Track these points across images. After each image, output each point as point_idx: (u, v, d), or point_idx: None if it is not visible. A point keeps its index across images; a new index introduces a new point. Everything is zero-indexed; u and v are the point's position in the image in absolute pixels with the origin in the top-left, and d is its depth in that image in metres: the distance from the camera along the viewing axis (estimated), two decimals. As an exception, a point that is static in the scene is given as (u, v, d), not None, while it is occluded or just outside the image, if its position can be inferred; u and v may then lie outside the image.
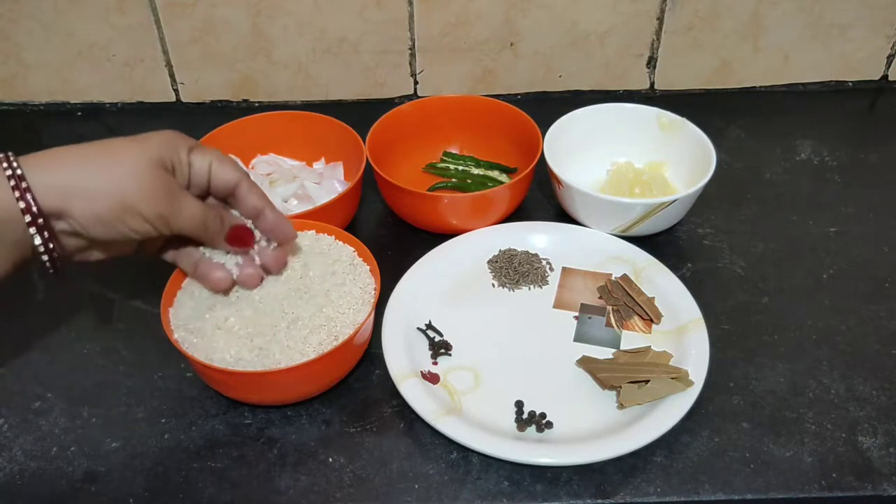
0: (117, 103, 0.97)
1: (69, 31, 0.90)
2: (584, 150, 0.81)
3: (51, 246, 0.51)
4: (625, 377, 0.63)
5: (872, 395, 0.64)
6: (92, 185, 0.51)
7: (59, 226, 0.52)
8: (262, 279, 0.63)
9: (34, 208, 0.50)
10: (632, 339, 0.68)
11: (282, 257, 0.63)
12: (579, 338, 0.69)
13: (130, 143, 0.53)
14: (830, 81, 0.98)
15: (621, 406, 0.62)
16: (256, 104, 0.97)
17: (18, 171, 0.50)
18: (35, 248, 0.51)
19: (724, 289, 0.73)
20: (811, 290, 0.73)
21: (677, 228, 0.79)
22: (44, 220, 0.50)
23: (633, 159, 0.84)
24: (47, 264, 0.52)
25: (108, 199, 0.51)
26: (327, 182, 0.80)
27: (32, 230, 0.50)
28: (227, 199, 0.60)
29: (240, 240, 0.60)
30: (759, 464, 0.60)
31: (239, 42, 0.91)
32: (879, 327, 0.70)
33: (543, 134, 0.78)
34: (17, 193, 0.49)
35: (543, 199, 0.83)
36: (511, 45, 0.93)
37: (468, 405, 0.63)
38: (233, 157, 0.81)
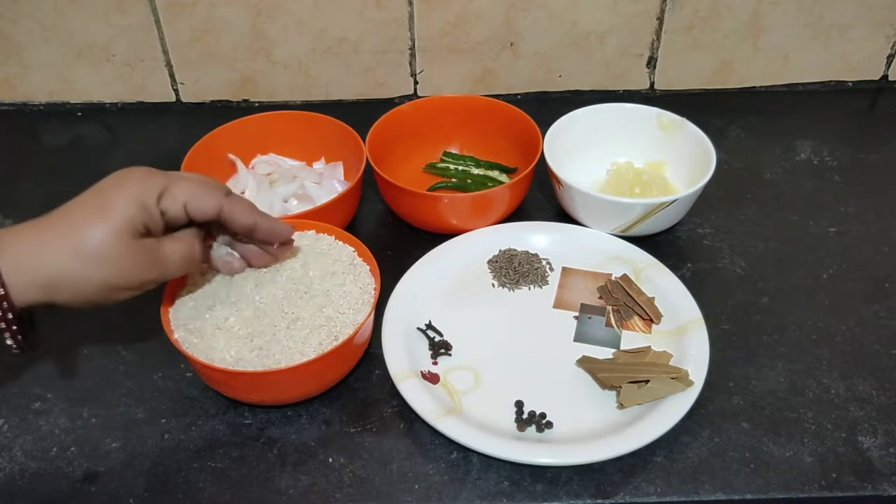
0: (117, 103, 0.97)
1: (69, 31, 0.90)
2: (584, 150, 0.81)
3: (20, 340, 0.52)
4: (625, 377, 0.63)
5: (872, 395, 0.64)
6: (73, 278, 0.51)
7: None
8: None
9: (9, 315, 0.50)
10: (632, 339, 0.68)
11: (266, 257, 0.63)
12: (579, 338, 0.69)
13: (96, 217, 0.51)
14: (830, 81, 0.98)
15: (621, 406, 0.62)
16: (256, 104, 0.97)
17: None
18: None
19: (724, 289, 0.73)
20: (811, 290, 0.73)
21: (677, 228, 0.79)
22: (16, 322, 0.51)
23: (633, 159, 0.84)
24: (14, 350, 0.53)
25: (91, 286, 0.52)
26: (327, 182, 0.80)
27: (7, 335, 0.51)
28: (213, 223, 0.58)
29: (229, 266, 0.61)
30: (759, 464, 0.60)
31: (239, 42, 0.91)
32: (879, 327, 0.70)
33: (543, 134, 0.78)
34: None
35: (543, 199, 0.83)
36: (511, 45, 0.93)
37: (468, 405, 0.63)
38: (232, 157, 0.82)
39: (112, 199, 0.52)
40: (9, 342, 0.52)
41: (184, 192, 0.55)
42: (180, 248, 0.56)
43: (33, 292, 0.51)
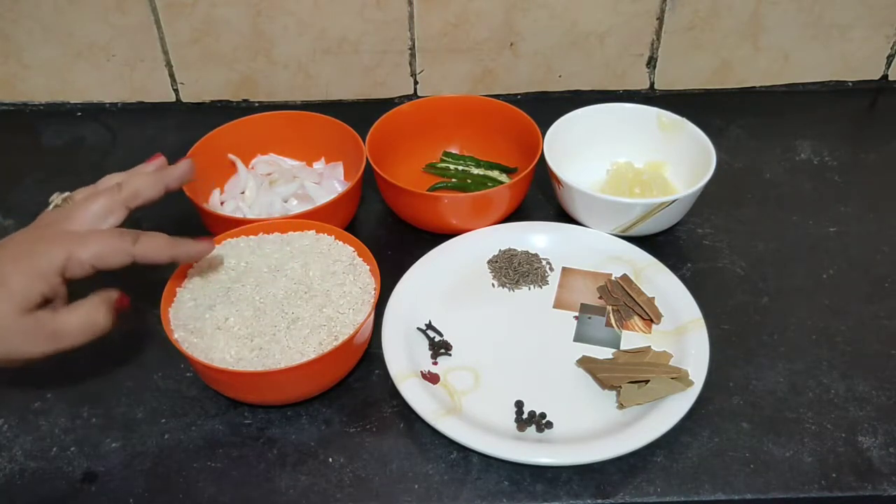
0: (117, 103, 0.97)
1: (69, 31, 0.90)
2: (584, 150, 0.81)
3: None
4: (625, 377, 0.63)
5: (872, 395, 0.64)
6: None
7: None
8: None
9: None
10: (632, 339, 0.68)
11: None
12: (579, 338, 0.69)
13: None
14: (830, 81, 0.98)
15: (621, 406, 0.62)
16: (256, 104, 0.97)
17: None
18: None
19: (724, 289, 0.73)
20: (811, 290, 0.73)
21: (677, 228, 0.79)
22: None
23: (633, 159, 0.84)
24: None
25: None
26: (327, 182, 0.80)
27: None
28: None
29: (122, 308, 0.59)
30: (759, 464, 0.60)
31: (239, 42, 0.91)
32: (879, 327, 0.70)
33: (543, 134, 0.78)
34: None
35: (543, 199, 0.83)
36: (511, 45, 0.93)
37: (468, 405, 0.63)
38: (232, 157, 0.82)
39: (7, 275, 0.52)
40: None
41: (90, 256, 0.54)
42: (77, 319, 0.54)
43: None
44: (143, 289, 0.73)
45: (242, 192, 0.79)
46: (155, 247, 0.57)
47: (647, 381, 0.62)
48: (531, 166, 0.75)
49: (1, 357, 0.52)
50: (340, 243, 0.68)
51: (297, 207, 0.78)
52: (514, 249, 0.75)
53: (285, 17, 0.90)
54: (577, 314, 0.71)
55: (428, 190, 0.82)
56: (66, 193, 0.60)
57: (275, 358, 0.59)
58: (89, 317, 0.55)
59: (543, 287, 0.73)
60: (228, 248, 0.68)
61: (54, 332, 0.53)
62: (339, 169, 0.82)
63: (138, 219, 0.73)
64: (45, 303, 0.54)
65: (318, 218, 0.70)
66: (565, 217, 0.78)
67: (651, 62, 0.95)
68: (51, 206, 0.59)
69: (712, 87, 0.97)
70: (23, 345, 0.52)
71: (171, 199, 0.82)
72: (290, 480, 0.59)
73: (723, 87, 0.97)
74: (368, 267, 0.67)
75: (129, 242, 0.56)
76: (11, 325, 0.51)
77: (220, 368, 0.59)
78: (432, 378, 0.65)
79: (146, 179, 0.60)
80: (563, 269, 0.74)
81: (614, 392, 0.64)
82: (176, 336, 0.61)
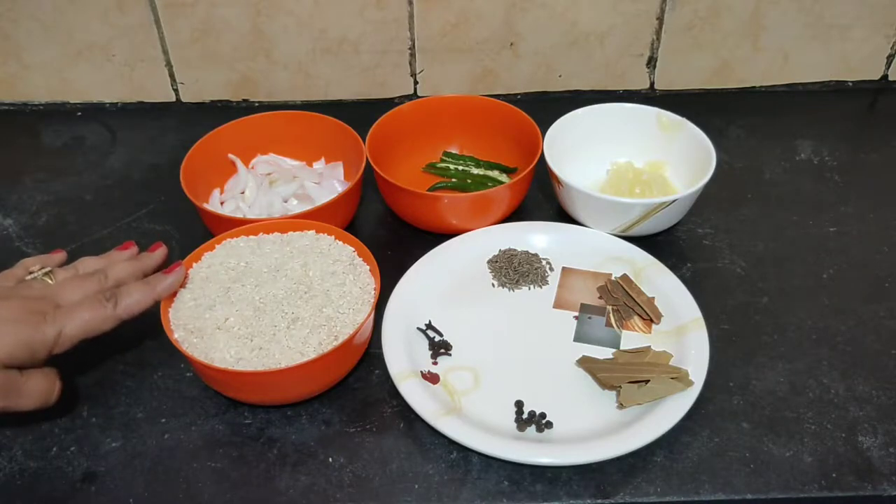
0: (117, 103, 0.97)
1: (69, 31, 0.90)
2: (584, 150, 0.81)
3: None
4: (625, 377, 0.63)
5: (872, 395, 0.64)
6: None
7: None
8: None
9: None
10: (632, 339, 0.68)
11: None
12: (579, 338, 0.69)
13: None
14: (830, 81, 0.98)
15: (621, 406, 0.62)
16: (256, 104, 0.97)
17: None
18: None
19: (724, 289, 0.73)
20: (811, 290, 0.73)
21: (677, 228, 0.79)
22: None
23: (633, 159, 0.84)
24: None
25: None
26: (327, 182, 0.80)
27: None
28: None
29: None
30: (759, 464, 0.60)
31: (239, 42, 0.91)
32: (879, 327, 0.70)
33: (543, 134, 0.78)
34: None
35: (543, 199, 0.83)
36: (511, 45, 0.93)
37: (468, 405, 0.63)
38: (232, 157, 0.82)
39: (1, 331, 0.55)
40: None
41: (78, 332, 0.57)
42: (42, 383, 0.58)
43: None
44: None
45: (242, 192, 0.79)
46: (136, 301, 0.60)
47: (647, 381, 0.62)
48: (531, 166, 0.75)
49: None
50: (340, 243, 0.68)
51: (297, 207, 0.78)
52: (514, 249, 0.75)
53: (285, 17, 0.90)
54: (577, 314, 0.71)
55: (428, 190, 0.82)
56: (48, 268, 0.62)
57: (275, 358, 0.59)
58: (52, 383, 0.58)
59: (543, 287, 0.73)
60: (228, 248, 0.68)
61: (17, 390, 0.56)
62: (339, 169, 0.82)
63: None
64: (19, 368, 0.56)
65: (318, 218, 0.70)
66: (565, 217, 0.78)
67: (651, 62, 0.95)
68: (30, 276, 0.62)
69: (712, 87, 0.97)
70: None
71: (171, 200, 0.83)
72: (290, 480, 0.59)
73: (723, 87, 0.97)
74: (368, 267, 0.67)
75: (111, 308, 0.59)
76: None
77: (220, 368, 0.59)
78: (432, 378, 0.65)
79: (140, 289, 0.61)
80: (563, 269, 0.74)
81: (614, 392, 0.64)
82: (176, 336, 0.61)
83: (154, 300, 0.61)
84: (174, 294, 0.64)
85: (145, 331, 0.69)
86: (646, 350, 0.66)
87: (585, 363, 0.66)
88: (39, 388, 0.57)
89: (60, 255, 0.66)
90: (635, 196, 0.80)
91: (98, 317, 0.58)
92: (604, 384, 0.64)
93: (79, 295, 0.59)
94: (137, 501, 0.58)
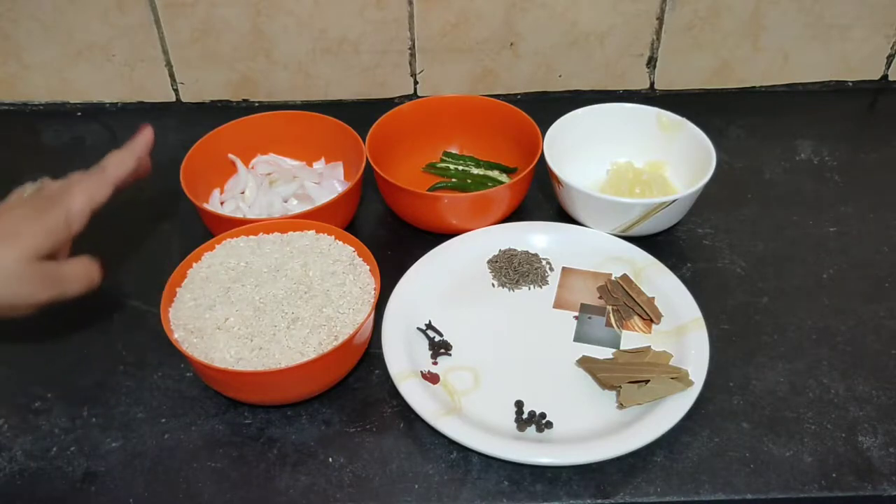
0: (117, 103, 0.97)
1: (69, 31, 0.90)
2: (584, 150, 0.81)
3: None
4: (625, 377, 0.63)
5: (872, 395, 0.64)
6: None
7: None
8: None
9: None
10: (632, 339, 0.68)
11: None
12: (579, 338, 0.69)
13: (5, 244, 0.58)
14: (830, 81, 0.98)
15: (621, 406, 0.62)
16: (256, 104, 0.97)
17: None
18: None
19: (724, 289, 0.73)
20: (811, 290, 0.73)
21: (677, 228, 0.79)
22: None
23: (633, 159, 0.84)
24: None
25: None
26: (327, 182, 0.80)
27: None
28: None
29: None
30: (759, 464, 0.60)
31: (239, 42, 0.91)
32: (879, 327, 0.70)
33: (543, 134, 0.78)
34: None
35: (543, 199, 0.83)
36: (511, 45, 0.93)
37: (468, 405, 0.63)
38: (232, 157, 0.82)
39: (21, 226, 0.59)
40: None
41: (82, 204, 0.62)
42: (80, 267, 0.62)
43: None
44: (144, 289, 0.73)
45: (242, 192, 0.79)
46: (119, 162, 0.66)
47: (647, 381, 0.62)
48: (531, 166, 0.75)
49: (9, 302, 0.58)
50: (340, 243, 0.68)
51: (297, 207, 0.78)
52: (514, 249, 0.75)
53: (285, 17, 0.90)
54: (577, 314, 0.71)
55: (428, 190, 0.82)
56: (38, 181, 0.66)
57: (275, 358, 0.59)
58: (86, 268, 0.63)
59: (543, 287, 0.73)
60: (228, 248, 0.68)
61: (58, 279, 0.60)
62: (338, 169, 0.82)
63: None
64: (51, 258, 0.61)
65: (318, 218, 0.70)
66: (565, 217, 0.78)
67: (651, 62, 0.95)
68: (26, 192, 0.65)
69: (712, 87, 0.97)
70: (30, 290, 0.58)
71: (171, 200, 0.83)
72: (290, 480, 0.59)
73: (723, 87, 0.97)
74: (368, 267, 0.67)
75: (102, 176, 0.65)
76: (22, 272, 0.58)
77: (220, 368, 0.59)
78: (432, 378, 0.65)
79: (119, 154, 0.67)
80: (563, 269, 0.74)
81: (614, 392, 0.64)
82: (176, 336, 0.61)
83: (135, 158, 0.67)
84: (174, 294, 0.64)
85: (145, 331, 0.70)
86: (646, 350, 0.66)
87: (585, 363, 0.66)
88: (79, 273, 0.62)
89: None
90: (635, 196, 0.80)
91: (93, 186, 0.63)
92: (604, 384, 0.64)
93: (72, 182, 0.64)
94: (137, 501, 0.58)
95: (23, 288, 0.58)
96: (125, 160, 0.67)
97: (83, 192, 0.63)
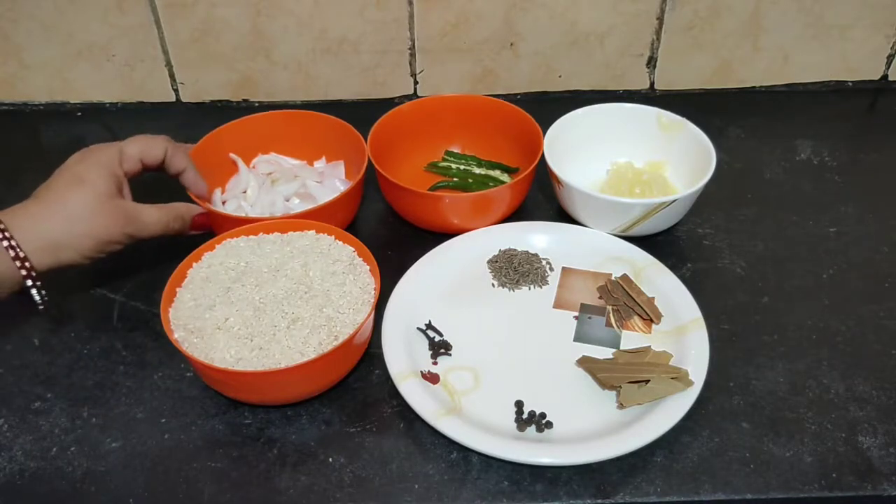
0: (117, 103, 0.97)
1: (69, 31, 0.90)
2: (584, 150, 0.81)
3: (44, 295, 0.63)
4: (625, 377, 0.63)
5: (872, 395, 0.64)
6: (72, 238, 0.63)
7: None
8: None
9: (33, 273, 0.61)
10: (632, 339, 0.68)
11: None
12: (579, 338, 0.69)
13: (75, 188, 0.64)
14: (830, 81, 0.98)
15: (621, 406, 0.62)
16: (256, 104, 0.97)
17: (13, 242, 0.60)
18: (26, 289, 0.62)
19: (724, 289, 0.73)
20: (811, 290, 0.73)
21: (677, 228, 0.79)
22: (40, 279, 0.62)
23: (633, 159, 0.84)
24: (40, 307, 0.63)
25: (87, 241, 0.63)
26: (328, 181, 0.80)
27: (34, 291, 0.62)
28: (161, 165, 0.71)
29: (202, 226, 0.73)
30: (759, 464, 0.60)
31: (239, 42, 0.91)
32: (879, 327, 0.70)
33: (543, 134, 0.78)
34: (17, 263, 0.60)
35: (543, 199, 0.83)
36: (511, 45, 0.93)
37: (468, 405, 0.63)
38: (233, 157, 0.82)
39: (83, 172, 0.65)
40: (36, 298, 0.62)
41: (137, 150, 0.68)
42: (156, 213, 0.68)
43: (43, 256, 0.62)
44: (144, 289, 0.73)
45: (244, 192, 0.79)
46: (180, 154, 0.71)
47: (647, 381, 0.62)
48: (532, 166, 0.75)
49: (99, 236, 0.64)
50: (340, 243, 0.68)
51: (299, 206, 0.78)
52: (514, 249, 0.75)
53: (285, 17, 0.90)
54: (577, 314, 0.71)
55: (429, 189, 0.82)
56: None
57: (275, 358, 0.59)
58: (166, 215, 0.69)
59: (543, 287, 0.73)
60: (228, 248, 0.68)
61: (133, 216, 0.66)
62: (340, 168, 0.82)
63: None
64: (120, 195, 0.66)
65: (319, 217, 0.70)
66: (565, 217, 0.78)
67: (651, 62, 0.95)
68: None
69: (712, 87, 0.97)
70: (109, 225, 0.64)
71: (171, 200, 0.82)
72: (290, 480, 0.59)
73: (723, 87, 0.97)
74: (368, 267, 0.67)
75: (162, 139, 0.70)
76: (99, 208, 0.64)
77: (220, 368, 0.59)
78: (432, 378, 0.65)
79: (183, 156, 0.73)
80: (563, 269, 0.74)
81: (614, 392, 0.64)
82: (176, 336, 0.61)
83: (184, 168, 0.72)
84: (174, 294, 0.64)
85: (145, 331, 0.70)
86: (646, 350, 0.66)
87: (585, 363, 0.66)
88: (154, 220, 0.68)
89: None
90: (635, 196, 0.80)
91: (150, 140, 0.69)
92: (604, 384, 0.64)
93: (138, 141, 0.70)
94: (137, 501, 0.58)
95: (98, 222, 0.63)
96: (178, 149, 0.71)
97: (136, 140, 0.69)
